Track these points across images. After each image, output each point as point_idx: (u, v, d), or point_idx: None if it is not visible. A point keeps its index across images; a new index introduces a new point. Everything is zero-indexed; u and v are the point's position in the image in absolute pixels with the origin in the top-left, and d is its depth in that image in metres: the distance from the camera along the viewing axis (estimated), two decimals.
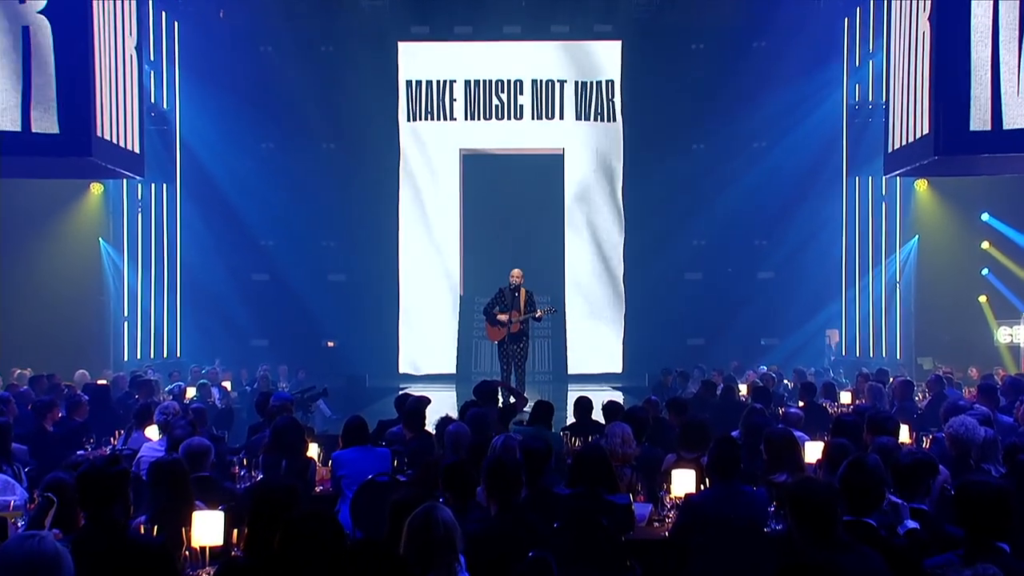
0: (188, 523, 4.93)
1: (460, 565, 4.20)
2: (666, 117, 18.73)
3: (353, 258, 19.19)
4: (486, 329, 13.99)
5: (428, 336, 19.26)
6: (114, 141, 13.94)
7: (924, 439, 8.22)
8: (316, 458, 7.72)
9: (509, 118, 19.18)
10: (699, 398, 11.65)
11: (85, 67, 12.78)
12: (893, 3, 15.13)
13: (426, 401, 8.53)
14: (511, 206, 18.86)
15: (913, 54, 13.84)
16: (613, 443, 7.06)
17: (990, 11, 12.34)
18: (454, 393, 15.95)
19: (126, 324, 17.70)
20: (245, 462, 7.23)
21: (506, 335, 13.45)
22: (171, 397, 11.66)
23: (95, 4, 13.24)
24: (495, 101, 19.17)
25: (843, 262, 18.54)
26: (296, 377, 16.49)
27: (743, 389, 12.54)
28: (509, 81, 19.17)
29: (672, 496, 6.31)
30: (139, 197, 17.91)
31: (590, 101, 19.19)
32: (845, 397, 11.51)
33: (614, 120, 19.20)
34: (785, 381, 14.72)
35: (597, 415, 9.27)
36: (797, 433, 7.09)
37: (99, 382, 12.84)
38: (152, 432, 8.58)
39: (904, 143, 14.32)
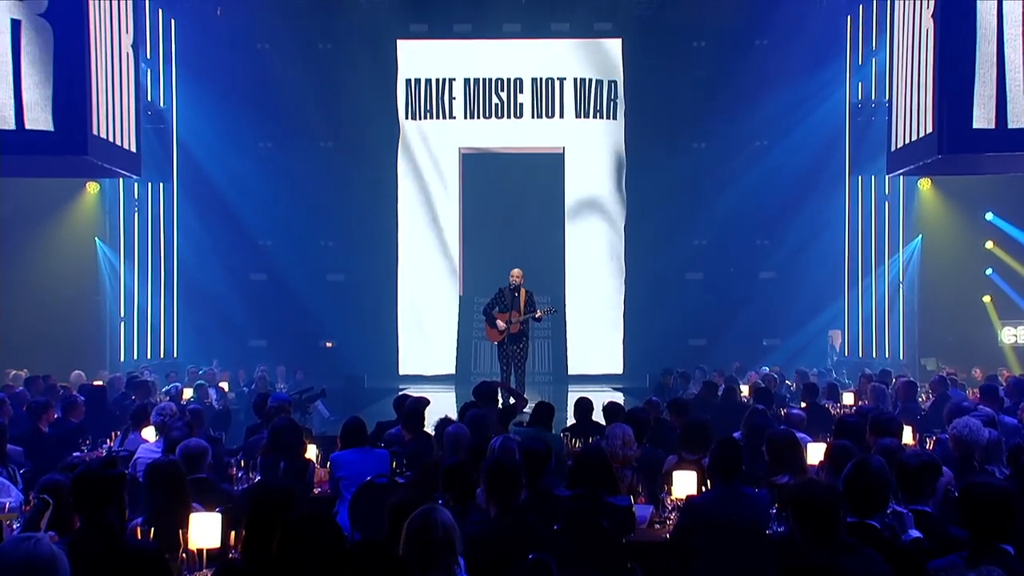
0: (185, 525, 4.92)
1: (460, 567, 4.17)
2: (667, 116, 18.70)
3: (352, 258, 19.13)
4: (486, 330, 13.93)
5: (427, 337, 19.22)
6: (110, 140, 13.85)
7: (928, 440, 8.20)
8: (314, 459, 7.71)
9: (509, 117, 19.14)
10: (700, 399, 11.62)
11: (81, 65, 12.71)
12: (896, 0, 15.05)
13: (425, 402, 8.50)
14: (511, 205, 18.82)
15: (916, 52, 13.76)
16: (614, 444, 7.02)
17: (995, 8, 12.28)
18: (453, 394, 15.93)
19: (123, 324, 17.63)
20: (243, 463, 7.23)
21: (506, 336, 13.40)
22: (168, 398, 11.66)
23: (91, 2, 13.16)
24: (495, 99, 19.12)
25: (846, 262, 18.53)
26: (294, 378, 16.47)
27: (745, 390, 12.52)
28: (509, 79, 19.13)
29: (673, 498, 6.27)
30: (136, 196, 17.87)
31: (590, 100, 19.13)
32: (848, 398, 11.53)
33: (615, 119, 19.13)
34: (787, 382, 14.71)
35: (598, 416, 9.23)
36: (799, 434, 7.06)
37: (95, 383, 12.84)
38: (149, 433, 8.56)
39: (907, 142, 14.25)
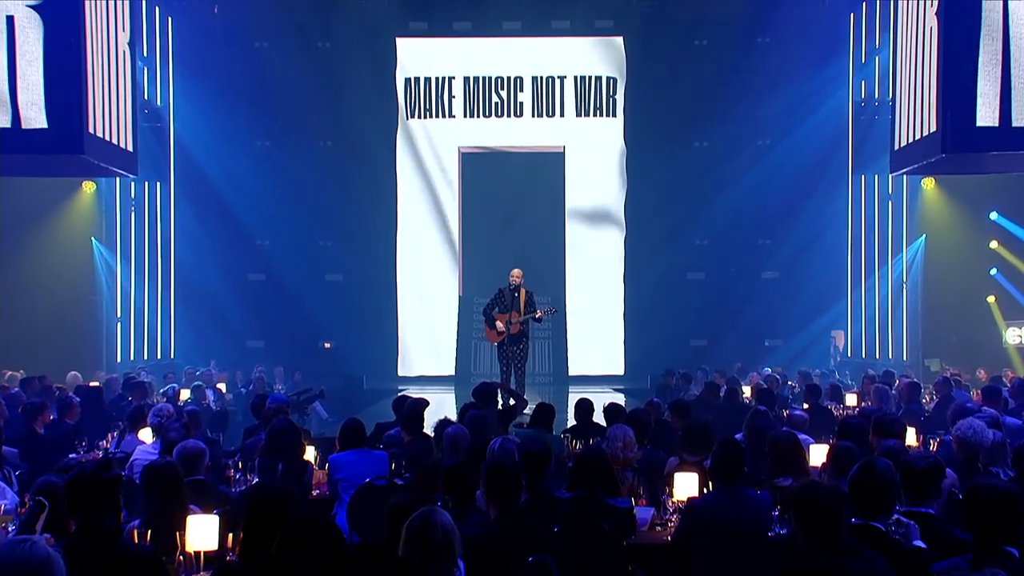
0: (182, 527, 4.92)
1: (459, 570, 4.16)
2: (668, 114, 18.68)
3: (350, 258, 19.07)
4: (485, 330, 13.88)
5: (427, 337, 19.17)
6: (107, 138, 13.77)
7: (931, 442, 8.21)
8: (313, 461, 7.71)
9: (509, 115, 19.07)
10: (702, 400, 11.59)
11: (77, 62, 12.62)
12: None
13: (424, 403, 8.52)
14: (511, 205, 18.76)
15: (920, 49, 13.69)
16: (614, 446, 7.04)
17: (1000, 5, 12.19)
18: (453, 395, 15.92)
19: (119, 325, 17.58)
20: (240, 465, 7.27)
21: (506, 336, 13.32)
22: (165, 399, 11.59)
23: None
24: (495, 98, 19.05)
25: (848, 262, 18.49)
26: (292, 379, 16.41)
27: (747, 391, 12.50)
28: (509, 78, 19.06)
29: (674, 500, 6.27)
30: (132, 196, 17.84)
31: (591, 98, 19.07)
32: (851, 399, 11.51)
33: (616, 117, 19.05)
34: (789, 383, 14.64)
35: (598, 417, 9.21)
36: (802, 436, 7.10)
37: (92, 384, 12.78)
38: (146, 435, 8.55)
39: (911, 140, 14.19)
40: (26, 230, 16.36)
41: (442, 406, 12.86)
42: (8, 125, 12.13)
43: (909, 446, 7.29)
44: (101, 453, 8.65)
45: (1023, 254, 17.00)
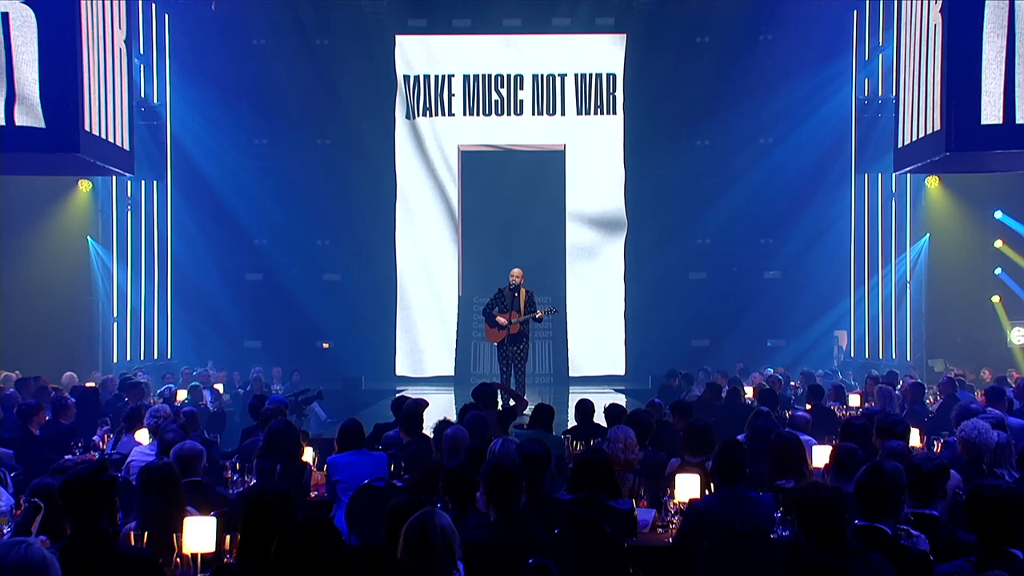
0: (179, 529, 4.92)
1: (459, 572, 4.17)
2: (670, 112, 18.67)
3: (349, 257, 19.04)
4: (485, 330, 13.80)
5: (426, 337, 19.10)
6: (103, 137, 13.70)
7: (935, 443, 8.18)
8: (311, 462, 7.72)
9: (509, 113, 19.00)
10: (704, 401, 11.57)
11: (73, 60, 12.53)
12: None
13: (424, 404, 8.58)
14: (511, 204, 18.71)
15: (924, 47, 13.61)
16: (615, 447, 7.01)
17: (1005, 3, 12.10)
18: (452, 396, 15.91)
19: (116, 325, 17.53)
20: (238, 466, 7.34)
21: (506, 336, 13.25)
22: (162, 400, 11.62)
23: None
24: (495, 96, 18.98)
25: (851, 261, 18.43)
26: (290, 379, 16.40)
27: (749, 392, 12.48)
28: (509, 76, 18.98)
29: (676, 501, 6.30)
30: (129, 195, 17.76)
31: (592, 96, 19.01)
32: (854, 400, 11.49)
33: (616, 116, 18.99)
34: (792, 383, 14.65)
35: (599, 418, 9.18)
36: (804, 437, 7.16)
37: (88, 384, 12.77)
38: (142, 436, 8.58)
39: (914, 138, 14.11)
40: (22, 229, 16.30)
41: (441, 407, 12.82)
42: (3, 123, 12.05)
43: (913, 447, 7.33)
44: (97, 454, 8.68)
45: None
